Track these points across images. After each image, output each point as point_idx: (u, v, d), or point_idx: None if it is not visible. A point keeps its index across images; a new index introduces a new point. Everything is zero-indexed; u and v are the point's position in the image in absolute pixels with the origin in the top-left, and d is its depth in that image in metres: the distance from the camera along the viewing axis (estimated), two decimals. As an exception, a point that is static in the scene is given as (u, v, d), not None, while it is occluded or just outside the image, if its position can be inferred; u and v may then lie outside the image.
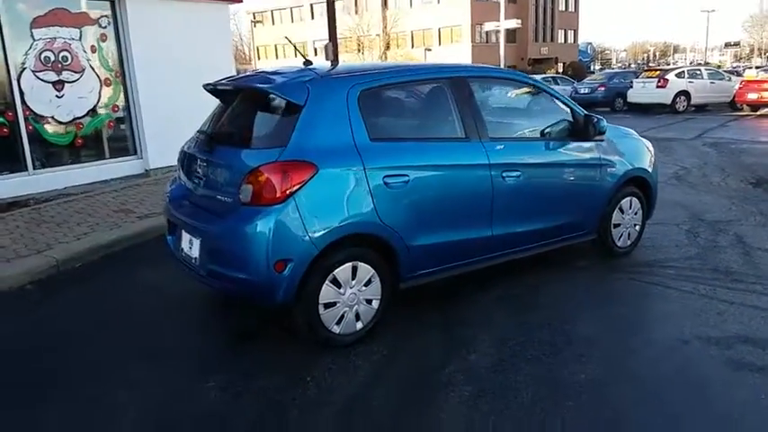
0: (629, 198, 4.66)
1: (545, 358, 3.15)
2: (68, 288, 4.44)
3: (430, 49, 47.85)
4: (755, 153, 10.04)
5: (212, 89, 3.85)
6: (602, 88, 20.73)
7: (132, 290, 4.38)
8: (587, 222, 4.44)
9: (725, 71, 24.44)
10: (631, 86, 20.24)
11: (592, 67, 64.62)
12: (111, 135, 8.23)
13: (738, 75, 24.45)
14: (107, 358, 3.31)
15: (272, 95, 3.29)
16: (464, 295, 3.99)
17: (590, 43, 78.18)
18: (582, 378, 2.95)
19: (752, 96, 17.94)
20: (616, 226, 4.63)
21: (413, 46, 48.19)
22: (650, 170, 4.81)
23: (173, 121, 8.45)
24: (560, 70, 48.37)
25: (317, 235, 3.09)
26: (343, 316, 3.30)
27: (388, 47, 44.09)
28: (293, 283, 3.10)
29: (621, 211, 4.64)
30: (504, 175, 3.77)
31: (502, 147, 3.80)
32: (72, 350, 3.43)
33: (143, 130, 8.38)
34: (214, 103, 3.91)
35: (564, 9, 56.58)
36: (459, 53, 45.39)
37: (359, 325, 3.37)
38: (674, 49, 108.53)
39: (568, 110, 4.26)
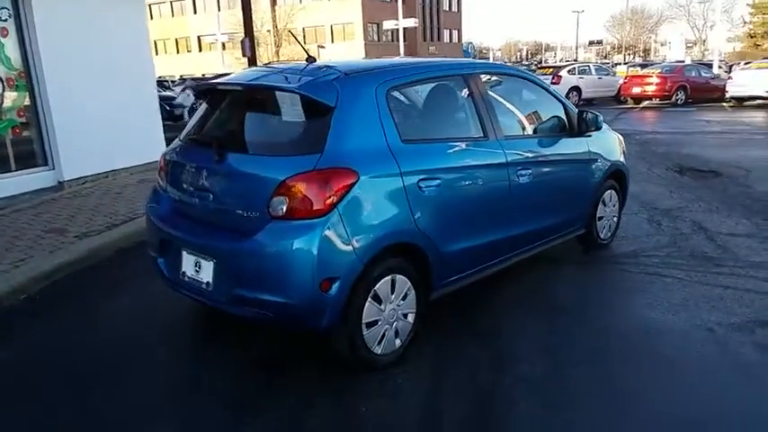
0: (609, 191, 4.79)
1: (596, 363, 3.09)
2: (25, 327, 3.76)
3: (323, 47, 47.45)
4: (662, 143, 10.86)
5: (207, 89, 3.42)
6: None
7: (107, 323, 3.80)
8: (581, 217, 4.50)
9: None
10: (527, 83, 21.23)
11: (475, 65, 67.23)
12: (16, 144, 7.21)
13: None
14: (110, 415, 2.80)
15: (296, 96, 2.95)
16: (480, 301, 3.86)
17: (471, 43, 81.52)
18: (645, 377, 2.93)
19: (636, 90, 19.51)
20: (599, 219, 4.74)
21: (305, 43, 47.53)
22: (624, 162, 4.98)
23: (89, 125, 7.66)
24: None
25: (361, 248, 2.82)
26: (384, 335, 3.05)
27: (279, 44, 43.17)
28: (339, 304, 2.80)
29: (604, 203, 4.74)
30: (518, 173, 3.69)
31: (514, 144, 3.73)
32: (63, 407, 2.88)
33: (54, 137, 7.42)
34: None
35: (448, 9, 58.53)
36: (352, 51, 45.48)
37: (397, 342, 3.14)
38: (545, 47, 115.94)
39: (562, 105, 4.28)
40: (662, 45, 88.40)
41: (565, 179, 4.23)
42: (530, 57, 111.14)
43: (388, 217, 2.95)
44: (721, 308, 3.67)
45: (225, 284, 2.94)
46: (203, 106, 3.53)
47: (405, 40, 50.65)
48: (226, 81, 3.33)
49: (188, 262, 3.15)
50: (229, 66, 38.09)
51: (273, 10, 44.01)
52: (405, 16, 38.55)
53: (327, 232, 2.72)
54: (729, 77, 19.48)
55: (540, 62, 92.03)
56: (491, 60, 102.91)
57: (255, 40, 38.62)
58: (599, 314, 3.70)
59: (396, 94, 3.18)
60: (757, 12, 51.63)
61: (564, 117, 4.25)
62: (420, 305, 3.23)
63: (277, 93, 3.07)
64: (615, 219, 4.96)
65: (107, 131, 7.88)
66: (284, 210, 2.75)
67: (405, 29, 43.55)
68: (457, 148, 3.39)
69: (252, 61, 11.44)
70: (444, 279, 3.37)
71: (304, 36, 48.07)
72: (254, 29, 37.22)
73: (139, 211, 6.07)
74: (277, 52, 42.14)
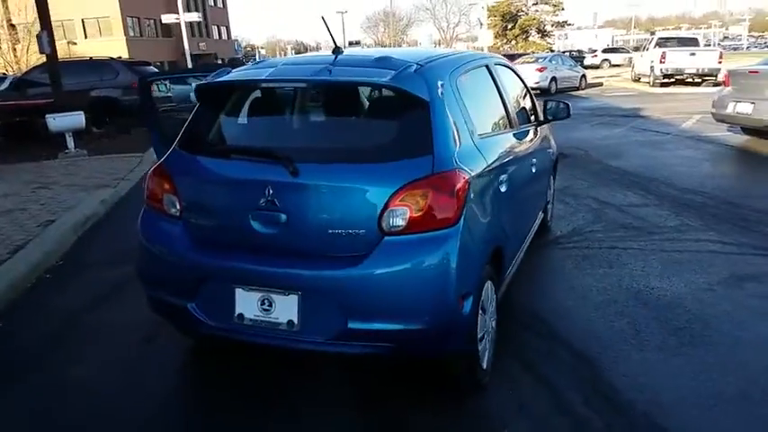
0: (550, 175, 5.07)
1: (670, 342, 3.16)
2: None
3: (74, 43, 41.96)
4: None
5: (226, 87, 2.73)
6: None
7: (78, 405, 2.83)
8: (545, 201, 4.69)
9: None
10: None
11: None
12: None
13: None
14: None
15: (391, 91, 2.50)
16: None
17: (236, 39, 79.67)
18: (718, 345, 3.14)
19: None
20: (548, 202, 4.99)
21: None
22: (556, 149, 5.32)
23: None
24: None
25: (482, 257, 2.56)
26: (486, 348, 2.80)
27: (14, 40, 36.82)
28: (470, 321, 2.49)
29: (549, 188, 5.01)
30: (531, 162, 3.72)
31: (522, 134, 3.74)
32: None
33: None
34: None
35: (213, 5, 56.28)
36: (112, 47, 40.95)
37: (490, 354, 2.91)
38: (309, 47, 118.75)
39: (530, 95, 4.38)
40: (409, 46, 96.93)
41: (542, 166, 4.36)
42: (294, 56, 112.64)
43: (490, 219, 2.72)
44: (697, 270, 4.12)
45: (324, 320, 2.40)
46: (215, 109, 2.80)
47: (171, 36, 47.56)
48: (275, 78, 2.68)
49: (247, 301, 2.50)
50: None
51: (5, 4, 37.44)
52: (168, 11, 35.91)
53: (461, 242, 2.39)
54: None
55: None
56: (257, 58, 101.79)
57: (-6, 35, 31.94)
58: (612, 289, 3.84)
59: (461, 85, 2.91)
60: (491, 14, 59.47)
61: (532, 106, 4.36)
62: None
63: (363, 89, 2.58)
64: (552, 202, 5.28)
65: None
66: (405, 223, 2.35)
67: (170, 25, 40.74)
68: (505, 140, 3.28)
69: (53, 57, 9.50)
70: (504, 276, 3.22)
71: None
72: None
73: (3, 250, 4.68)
74: (13, 49, 35.82)
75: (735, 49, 62.03)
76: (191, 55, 49.11)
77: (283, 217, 2.44)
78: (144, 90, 3.77)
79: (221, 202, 2.59)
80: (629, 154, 8.54)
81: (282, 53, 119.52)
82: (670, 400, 2.65)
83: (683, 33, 28.66)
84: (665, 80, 19.36)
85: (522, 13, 59.85)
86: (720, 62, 18.59)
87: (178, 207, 2.68)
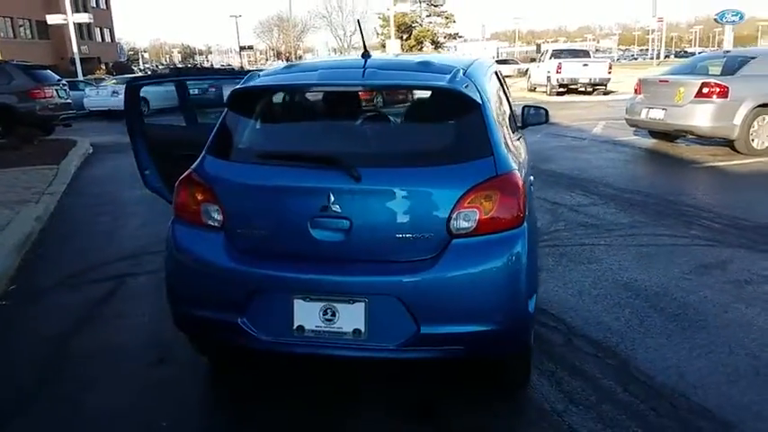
0: (523, 177, 5.28)
1: (673, 328, 3.42)
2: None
3: (-66, 46, 37.64)
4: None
5: (266, 90, 2.60)
6: (214, 89, 20.71)
7: None
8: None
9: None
10: (235, 86, 20.84)
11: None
12: None
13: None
14: None
15: (450, 94, 2.51)
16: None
17: (119, 42, 75.30)
18: (719, 328, 3.45)
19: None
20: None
21: None
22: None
23: None
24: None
25: (538, 255, 2.62)
26: (532, 345, 2.88)
27: None
28: (533, 319, 2.56)
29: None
30: (530, 164, 3.84)
31: (522, 138, 3.85)
32: None
33: None
34: None
35: (96, 6, 52.82)
36: (-19, 50, 37.24)
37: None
38: (197, 51, 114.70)
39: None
40: (305, 52, 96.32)
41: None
42: (183, 60, 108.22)
43: (535, 221, 2.81)
44: (667, 261, 4.48)
45: (395, 327, 2.37)
46: (256, 114, 2.66)
47: (49, 38, 44.02)
48: (325, 82, 2.58)
49: (308, 312, 2.41)
50: None
51: None
52: (46, 11, 33.43)
53: (528, 243, 2.46)
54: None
55: (198, 64, 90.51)
56: (141, 62, 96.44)
57: None
58: (601, 283, 4.10)
59: (491, 89, 2.97)
60: (386, 24, 60.67)
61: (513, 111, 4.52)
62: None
63: (421, 92, 2.56)
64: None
65: None
66: (473, 225, 2.37)
67: (47, 26, 37.76)
68: (519, 143, 3.37)
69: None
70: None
71: None
72: None
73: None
74: None
75: (607, 61, 67.74)
76: (76, 59, 45.96)
77: (346, 223, 2.38)
78: (131, 96, 3.49)
79: (275, 210, 2.46)
80: (557, 158, 9.07)
81: (168, 57, 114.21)
82: (698, 380, 2.88)
83: (575, 45, 30.87)
84: (561, 89, 20.75)
85: (416, 25, 61.52)
86: (610, 72, 20.28)
87: (219, 217, 2.52)
